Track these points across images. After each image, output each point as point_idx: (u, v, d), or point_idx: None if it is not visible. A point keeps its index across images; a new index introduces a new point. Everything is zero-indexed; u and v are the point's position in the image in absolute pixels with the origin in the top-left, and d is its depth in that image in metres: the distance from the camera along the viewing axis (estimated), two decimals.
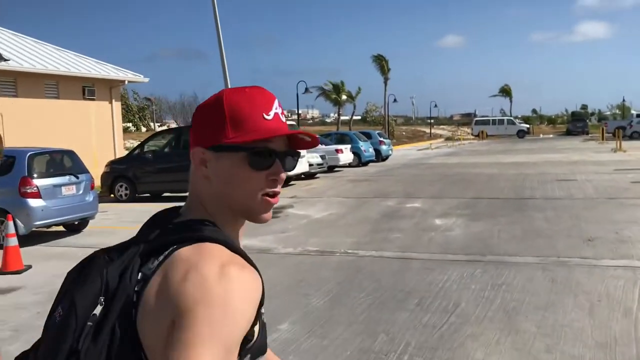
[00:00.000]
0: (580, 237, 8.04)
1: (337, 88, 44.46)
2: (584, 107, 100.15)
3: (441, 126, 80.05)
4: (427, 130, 64.40)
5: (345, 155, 22.25)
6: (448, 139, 55.52)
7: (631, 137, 39.97)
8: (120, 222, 11.39)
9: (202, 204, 1.06)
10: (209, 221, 1.02)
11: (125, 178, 14.79)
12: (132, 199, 14.67)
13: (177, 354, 0.83)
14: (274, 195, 1.05)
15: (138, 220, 9.80)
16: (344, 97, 45.37)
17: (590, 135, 54.26)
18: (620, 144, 27.59)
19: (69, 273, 1.05)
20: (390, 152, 27.76)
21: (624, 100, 79.02)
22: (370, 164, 25.28)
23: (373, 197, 13.74)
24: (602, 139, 37.13)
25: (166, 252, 0.96)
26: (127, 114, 51.04)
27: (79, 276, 1.01)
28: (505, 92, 77.86)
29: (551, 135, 61.14)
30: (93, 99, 19.94)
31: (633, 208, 10.36)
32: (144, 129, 49.13)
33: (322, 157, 19.70)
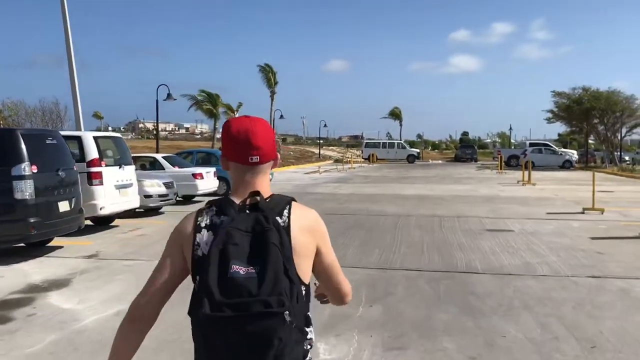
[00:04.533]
0: None
1: (213, 98, 38.72)
2: (465, 133, 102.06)
3: (330, 147, 76.66)
4: (316, 151, 60.32)
5: (207, 181, 16.79)
6: (337, 160, 51.63)
7: (525, 167, 37.99)
8: None
9: (268, 186, 1.80)
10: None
11: None
12: None
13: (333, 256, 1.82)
14: None
15: None
16: (221, 109, 39.75)
17: (480, 162, 52.78)
18: (529, 176, 24.47)
19: (226, 243, 1.56)
20: (271, 176, 22.66)
21: (510, 128, 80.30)
22: None
23: None
24: (501, 169, 34.58)
25: (288, 208, 1.70)
26: None
27: (249, 242, 1.59)
28: (396, 115, 76.22)
29: (440, 161, 59.36)
30: None
31: None
32: None
33: (168, 184, 14.14)
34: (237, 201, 1.69)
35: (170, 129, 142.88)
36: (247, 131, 1.73)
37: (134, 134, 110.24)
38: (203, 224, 1.67)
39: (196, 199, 17.23)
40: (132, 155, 19.11)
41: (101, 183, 10.67)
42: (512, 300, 6.29)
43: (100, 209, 10.62)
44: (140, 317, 1.74)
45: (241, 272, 1.52)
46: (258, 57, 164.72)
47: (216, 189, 17.50)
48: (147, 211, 13.99)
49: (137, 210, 13.05)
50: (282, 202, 1.71)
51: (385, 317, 5.74)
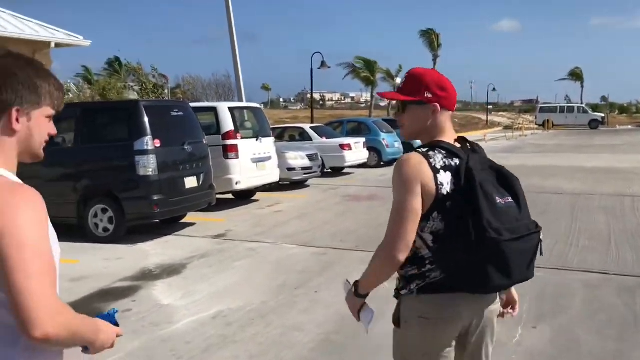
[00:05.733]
0: None
1: (370, 65, 37.29)
2: None
3: (500, 113, 71.74)
4: (484, 117, 56.47)
5: (356, 152, 15.73)
6: (507, 127, 47.72)
7: None
8: None
9: None
10: None
11: None
12: None
13: None
14: None
15: None
16: (379, 75, 38.18)
17: None
18: None
19: (480, 176, 1.87)
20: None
21: None
22: None
23: (354, 247, 7.32)
24: None
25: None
26: (142, 91, 45.85)
27: (494, 177, 1.93)
28: (576, 76, 68.63)
29: (629, 127, 52.24)
30: None
31: None
32: None
33: (312, 156, 13.28)
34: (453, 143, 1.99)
35: (337, 99, 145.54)
36: (450, 82, 2.04)
37: (302, 104, 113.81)
38: (438, 166, 1.89)
39: (345, 170, 16.32)
40: (281, 126, 18.75)
41: (237, 157, 10.06)
42: None
43: (236, 183, 10.04)
44: (401, 261, 1.87)
45: (502, 202, 1.86)
46: (421, 21, 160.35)
47: (366, 160, 16.39)
48: (293, 184, 13.32)
49: (281, 183, 12.45)
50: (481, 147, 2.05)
51: (555, 347, 4.14)
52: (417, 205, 1.83)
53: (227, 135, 10.00)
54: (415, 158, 1.88)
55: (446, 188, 1.85)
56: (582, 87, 68.52)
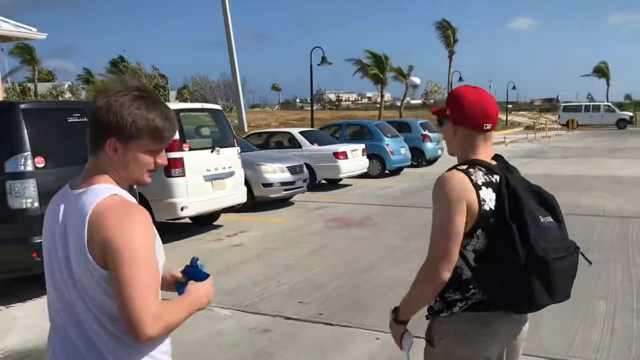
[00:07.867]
0: None
1: (380, 61, 34.53)
2: None
3: (520, 112, 68.69)
4: (503, 117, 53.60)
5: (354, 161, 13.34)
6: (528, 128, 44.92)
7: None
8: None
9: None
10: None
11: None
12: None
13: None
14: None
15: None
16: (390, 74, 35.49)
17: None
18: None
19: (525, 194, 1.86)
20: (439, 152, 18.51)
21: None
22: (405, 170, 16.30)
23: (316, 314, 4.98)
24: None
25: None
26: None
27: (534, 196, 1.88)
28: (602, 72, 65.18)
29: None
30: None
31: None
32: None
33: (295, 168, 10.90)
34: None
35: (353, 99, 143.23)
36: (485, 102, 1.94)
37: (319, 104, 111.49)
38: (480, 182, 1.85)
39: (343, 181, 13.98)
40: (265, 131, 16.44)
41: (182, 174, 7.78)
42: None
43: (182, 209, 7.76)
44: (445, 281, 1.82)
45: (545, 221, 1.83)
46: (432, 17, 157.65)
47: (365, 170, 14.01)
48: (275, 201, 10.97)
49: (263, 199, 10.24)
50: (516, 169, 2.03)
51: None
52: (460, 224, 1.80)
53: (170, 147, 7.71)
54: (454, 176, 1.85)
55: (489, 204, 1.83)
56: (608, 84, 65.09)
